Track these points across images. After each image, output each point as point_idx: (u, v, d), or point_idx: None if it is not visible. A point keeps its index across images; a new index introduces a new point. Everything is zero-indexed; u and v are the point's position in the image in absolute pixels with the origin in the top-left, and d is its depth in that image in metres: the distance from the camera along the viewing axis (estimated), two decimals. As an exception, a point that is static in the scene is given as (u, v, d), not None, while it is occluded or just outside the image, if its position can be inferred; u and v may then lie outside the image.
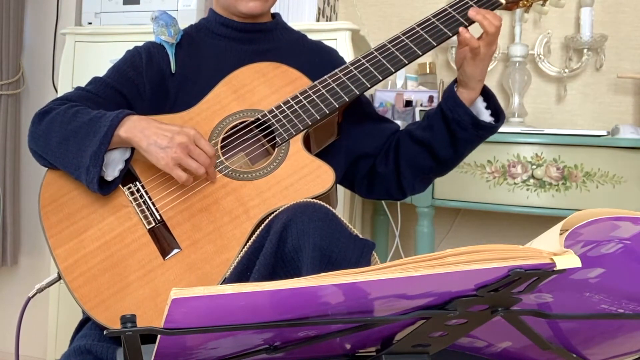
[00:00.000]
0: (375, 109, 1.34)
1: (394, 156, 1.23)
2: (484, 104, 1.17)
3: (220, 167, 1.09)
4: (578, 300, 0.66)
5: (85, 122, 1.06)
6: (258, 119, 1.14)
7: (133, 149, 1.08)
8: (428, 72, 2.05)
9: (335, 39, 1.71)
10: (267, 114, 1.13)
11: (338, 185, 1.23)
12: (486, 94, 1.17)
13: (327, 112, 1.12)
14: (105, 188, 1.06)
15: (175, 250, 1.03)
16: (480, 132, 1.14)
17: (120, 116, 1.05)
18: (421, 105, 1.86)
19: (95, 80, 1.21)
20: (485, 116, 1.17)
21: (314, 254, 0.88)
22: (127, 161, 1.08)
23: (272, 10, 1.32)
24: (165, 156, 1.01)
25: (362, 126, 1.26)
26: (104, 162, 1.04)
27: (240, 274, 0.94)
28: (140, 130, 1.03)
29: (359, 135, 1.25)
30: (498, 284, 0.56)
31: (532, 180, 1.66)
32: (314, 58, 1.28)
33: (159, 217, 1.06)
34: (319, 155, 1.12)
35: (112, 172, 1.06)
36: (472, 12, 1.11)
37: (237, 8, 1.22)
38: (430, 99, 1.88)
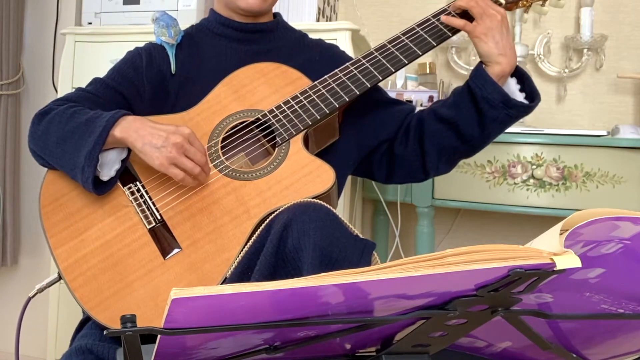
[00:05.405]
0: (386, 93, 1.31)
1: (417, 135, 1.21)
2: (518, 86, 1.15)
3: (221, 167, 1.09)
4: (578, 300, 0.66)
5: (82, 122, 1.06)
6: (258, 119, 1.14)
7: (130, 149, 1.08)
8: (428, 72, 2.05)
9: (335, 39, 1.71)
10: (267, 114, 1.13)
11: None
12: (521, 77, 1.15)
13: (328, 111, 1.12)
14: (100, 188, 1.06)
15: (176, 250, 1.03)
16: (512, 112, 1.10)
17: (115, 116, 1.05)
18: (421, 105, 1.86)
19: (95, 81, 1.21)
20: (519, 98, 1.14)
21: (314, 254, 0.88)
22: (124, 161, 1.08)
23: (273, 10, 1.32)
24: (160, 156, 1.01)
25: (373, 115, 1.24)
26: (100, 162, 1.04)
27: (241, 274, 0.94)
28: (135, 131, 1.03)
29: (372, 124, 1.24)
30: (498, 284, 0.56)
31: (532, 180, 1.66)
32: (314, 55, 1.28)
33: (159, 217, 1.06)
34: (324, 154, 1.12)
35: (107, 171, 1.06)
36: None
37: (237, 4, 1.22)
38: (430, 99, 1.88)
